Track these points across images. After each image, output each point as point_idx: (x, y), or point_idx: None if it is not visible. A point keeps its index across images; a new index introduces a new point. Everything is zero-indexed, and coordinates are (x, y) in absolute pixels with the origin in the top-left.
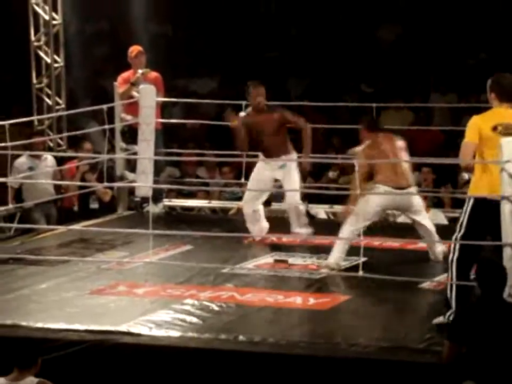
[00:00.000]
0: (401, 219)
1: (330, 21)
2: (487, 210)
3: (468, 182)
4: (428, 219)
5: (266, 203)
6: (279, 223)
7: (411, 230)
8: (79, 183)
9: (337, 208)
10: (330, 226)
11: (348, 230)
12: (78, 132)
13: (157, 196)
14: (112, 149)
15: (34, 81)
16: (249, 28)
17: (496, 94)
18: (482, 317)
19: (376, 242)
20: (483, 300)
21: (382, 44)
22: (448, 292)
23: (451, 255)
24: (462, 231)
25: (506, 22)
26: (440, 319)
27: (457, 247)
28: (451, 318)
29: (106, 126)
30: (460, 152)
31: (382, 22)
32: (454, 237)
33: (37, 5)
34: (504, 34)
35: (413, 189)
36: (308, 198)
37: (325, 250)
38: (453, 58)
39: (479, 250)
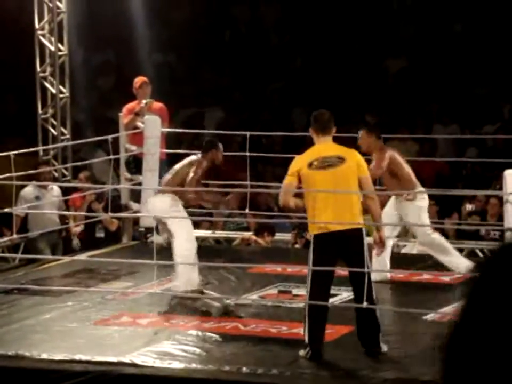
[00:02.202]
0: (406, 250)
1: (335, 52)
2: (332, 242)
3: (472, 212)
4: None
5: (271, 232)
6: (283, 253)
7: (416, 261)
8: (84, 213)
9: None
10: None
11: None
12: (83, 162)
13: None
14: (117, 179)
15: (40, 111)
16: (255, 58)
17: (313, 129)
18: None
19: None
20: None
21: (387, 75)
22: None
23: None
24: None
25: (508, 53)
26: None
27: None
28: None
29: (112, 156)
30: (279, 194)
31: (387, 54)
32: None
33: (43, 36)
34: (506, 66)
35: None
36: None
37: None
38: (456, 90)
39: (331, 281)
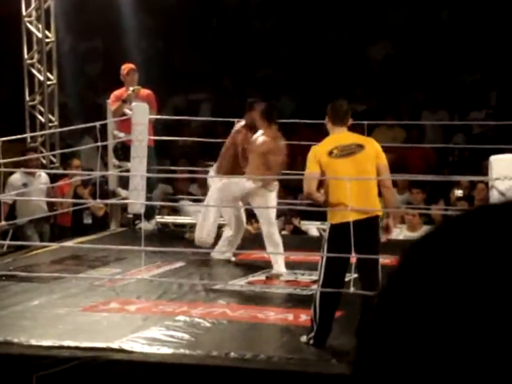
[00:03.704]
0: (393, 236)
1: (323, 39)
2: (350, 231)
3: (461, 198)
4: None
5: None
6: None
7: (402, 247)
8: (72, 200)
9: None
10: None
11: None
12: (71, 149)
13: (150, 213)
14: (105, 166)
15: (27, 98)
16: (243, 44)
17: (329, 119)
18: None
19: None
20: None
21: (373, 62)
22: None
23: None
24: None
25: (495, 40)
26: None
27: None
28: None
29: (99, 143)
30: (303, 183)
31: (374, 40)
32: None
33: (30, 23)
34: (493, 53)
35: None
36: (299, 214)
37: (316, 266)
38: (444, 76)
39: (346, 270)
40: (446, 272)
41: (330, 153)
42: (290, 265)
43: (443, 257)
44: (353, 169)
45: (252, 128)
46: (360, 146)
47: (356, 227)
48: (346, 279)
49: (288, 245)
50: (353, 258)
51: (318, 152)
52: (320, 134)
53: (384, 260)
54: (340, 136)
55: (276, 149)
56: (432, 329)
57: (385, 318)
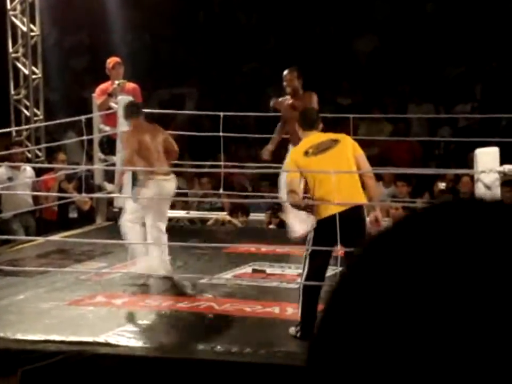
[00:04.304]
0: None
1: (307, 33)
2: (335, 224)
3: (444, 190)
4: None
5: (245, 212)
6: (257, 233)
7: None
8: (58, 194)
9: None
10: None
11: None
12: (56, 143)
13: None
14: (90, 160)
15: (12, 92)
16: (229, 38)
17: (299, 126)
18: None
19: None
20: None
21: (359, 55)
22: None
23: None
24: (310, 249)
25: (480, 33)
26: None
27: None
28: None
29: (85, 137)
30: (286, 191)
31: (359, 34)
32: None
33: (15, 16)
34: (478, 46)
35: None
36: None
37: (303, 260)
38: (429, 69)
39: (329, 262)
40: (396, 269)
41: (305, 153)
42: (277, 259)
43: (395, 254)
44: (332, 164)
45: None
46: (335, 141)
47: (341, 219)
48: (333, 272)
49: (276, 238)
50: (341, 251)
51: (293, 156)
52: None
53: None
54: (312, 137)
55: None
56: (378, 327)
57: (335, 316)
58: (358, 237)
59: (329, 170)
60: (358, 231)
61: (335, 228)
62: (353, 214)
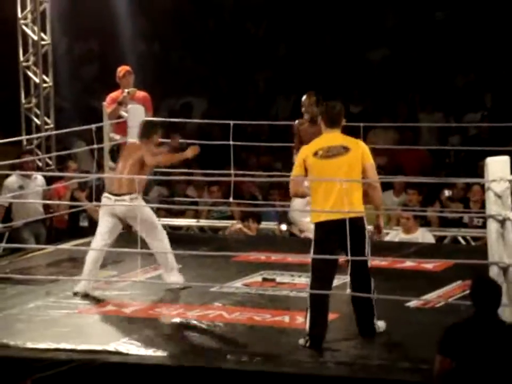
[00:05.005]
0: (389, 238)
1: (319, 41)
2: (332, 231)
3: (450, 198)
4: (159, 241)
5: (256, 220)
6: (267, 241)
7: (398, 249)
8: (69, 203)
9: None
10: None
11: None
12: (67, 152)
13: None
14: (100, 168)
15: (23, 101)
16: (239, 47)
17: (323, 120)
18: (475, 333)
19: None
20: (477, 317)
21: (370, 63)
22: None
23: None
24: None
25: (489, 42)
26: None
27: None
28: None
29: (95, 146)
30: (289, 185)
31: (370, 42)
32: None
33: (26, 25)
34: (488, 55)
35: (127, 198)
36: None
37: None
38: (439, 77)
39: (333, 270)
40: None
41: (315, 153)
42: (287, 267)
43: None
44: (336, 171)
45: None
46: (346, 149)
47: (338, 226)
48: (341, 282)
49: (286, 247)
50: (342, 260)
51: (304, 153)
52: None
53: (378, 262)
54: (328, 137)
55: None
56: None
57: None
58: (356, 247)
59: (326, 178)
60: (357, 241)
61: (331, 234)
62: (351, 224)
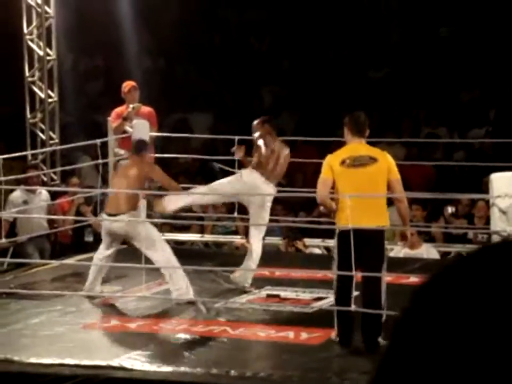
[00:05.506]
0: (393, 253)
1: (323, 57)
2: (354, 239)
3: (453, 214)
4: (158, 253)
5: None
6: (272, 256)
7: (403, 264)
8: (73, 217)
9: (330, 241)
10: (323, 260)
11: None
12: (72, 167)
13: None
14: (105, 183)
15: (28, 116)
16: (244, 62)
17: (348, 129)
18: None
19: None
20: None
21: (373, 79)
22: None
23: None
24: (336, 263)
25: (494, 58)
26: None
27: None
28: None
29: (100, 161)
30: (317, 188)
31: (375, 58)
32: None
33: (32, 41)
34: (492, 71)
35: (125, 217)
36: (303, 234)
37: (317, 284)
38: (443, 93)
39: (352, 279)
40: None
41: (342, 162)
42: (291, 283)
43: (456, 289)
44: (363, 181)
45: None
46: (373, 159)
47: (359, 236)
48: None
49: (290, 262)
50: (358, 275)
51: (331, 160)
52: (321, 151)
53: (389, 277)
54: (355, 146)
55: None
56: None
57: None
58: (374, 259)
59: (353, 194)
60: (376, 252)
61: (355, 242)
62: (373, 234)
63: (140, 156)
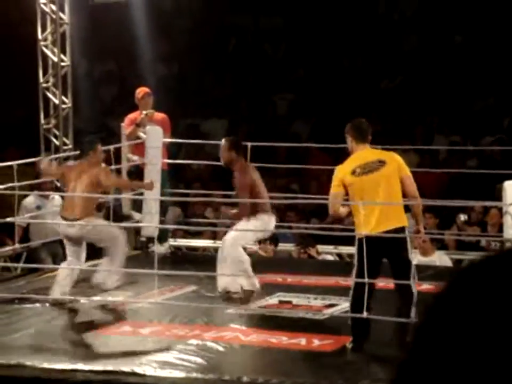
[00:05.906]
0: None
1: (337, 64)
2: (374, 246)
3: (466, 222)
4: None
5: (274, 242)
6: (284, 263)
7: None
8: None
9: (343, 248)
10: (336, 266)
11: None
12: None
13: (163, 236)
14: (117, 189)
15: (42, 121)
16: (258, 69)
17: (351, 137)
18: None
19: (381, 283)
20: None
21: (387, 86)
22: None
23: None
24: (356, 269)
25: (508, 66)
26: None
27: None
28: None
29: (113, 167)
30: (329, 204)
31: (389, 66)
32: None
33: (46, 47)
34: (507, 79)
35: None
36: (316, 241)
37: (330, 291)
38: (457, 101)
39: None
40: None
41: (353, 172)
42: (304, 289)
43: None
44: (377, 185)
45: None
46: (382, 162)
47: (383, 238)
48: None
49: (303, 269)
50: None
51: (341, 172)
52: (334, 158)
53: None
54: (362, 154)
55: None
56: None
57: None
58: (401, 254)
59: (369, 201)
60: (401, 249)
61: (378, 247)
62: (396, 233)
63: (84, 157)
